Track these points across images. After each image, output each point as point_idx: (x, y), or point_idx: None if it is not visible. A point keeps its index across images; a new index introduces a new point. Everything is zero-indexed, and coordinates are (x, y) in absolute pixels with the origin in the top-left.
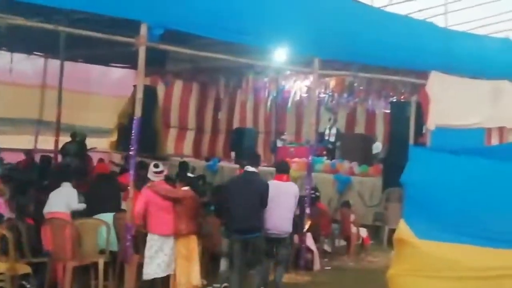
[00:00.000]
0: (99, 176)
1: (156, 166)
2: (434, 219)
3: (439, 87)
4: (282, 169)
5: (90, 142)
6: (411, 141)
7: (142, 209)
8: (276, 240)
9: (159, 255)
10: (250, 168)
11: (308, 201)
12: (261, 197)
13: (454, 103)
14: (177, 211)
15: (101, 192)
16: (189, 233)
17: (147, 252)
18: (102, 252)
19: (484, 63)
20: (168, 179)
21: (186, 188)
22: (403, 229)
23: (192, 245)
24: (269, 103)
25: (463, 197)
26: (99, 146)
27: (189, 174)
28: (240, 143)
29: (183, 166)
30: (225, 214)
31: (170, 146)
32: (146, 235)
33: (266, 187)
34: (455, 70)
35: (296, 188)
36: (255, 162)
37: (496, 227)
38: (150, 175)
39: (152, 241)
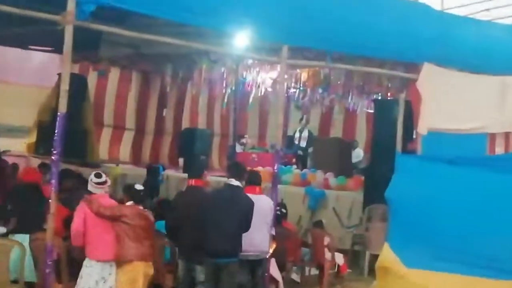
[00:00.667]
0: (21, 186)
1: (97, 176)
2: (424, 243)
3: (433, 82)
4: (254, 180)
5: (1, 143)
6: (399, 147)
7: (80, 226)
8: (254, 262)
9: (99, 287)
10: (234, 182)
11: (273, 220)
12: (246, 219)
13: (451, 103)
14: (117, 231)
15: (23, 206)
16: (134, 260)
17: (84, 283)
18: (15, 282)
19: (488, 54)
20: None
21: (130, 203)
22: (388, 255)
23: (137, 276)
24: (226, 99)
25: (460, 217)
26: (13, 148)
27: (137, 186)
28: (190, 148)
29: (153, 171)
30: (179, 235)
31: (103, 149)
32: (71, 259)
33: (252, 207)
34: (452, 62)
35: (271, 202)
36: (239, 173)
37: (498, 254)
38: (90, 187)
39: (90, 269)
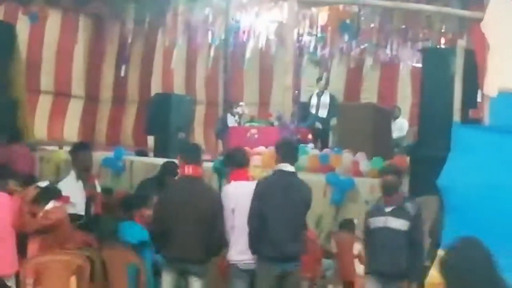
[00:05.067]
0: None
1: None
2: (494, 244)
3: (506, 23)
4: (240, 161)
5: None
6: (457, 116)
7: None
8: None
9: None
10: (287, 167)
11: None
12: (305, 213)
13: None
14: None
15: None
16: None
17: None
18: None
19: None
20: None
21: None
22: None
23: None
24: (212, 52)
25: None
26: None
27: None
28: (163, 121)
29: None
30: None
31: (40, 126)
32: None
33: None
34: None
35: None
36: (293, 155)
37: None
38: None
39: None
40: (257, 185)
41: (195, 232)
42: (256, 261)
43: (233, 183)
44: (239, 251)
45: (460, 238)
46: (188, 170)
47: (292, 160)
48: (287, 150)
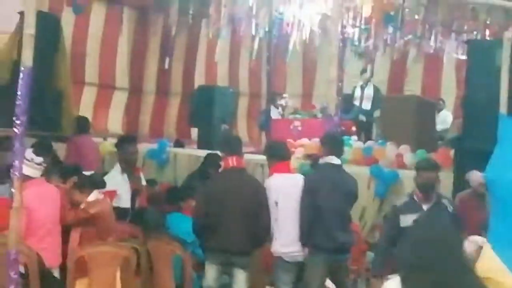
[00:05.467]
0: None
1: (41, 151)
2: None
3: None
4: (283, 154)
5: None
6: (503, 108)
7: None
8: (303, 265)
9: None
10: (334, 160)
11: None
12: (353, 203)
13: None
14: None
15: None
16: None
17: None
18: None
19: None
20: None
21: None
22: (489, 262)
23: None
24: (256, 45)
25: None
26: None
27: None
28: (207, 113)
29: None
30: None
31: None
32: (46, 272)
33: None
34: None
35: None
36: (339, 148)
37: None
38: (27, 169)
39: None
40: (307, 178)
41: (240, 223)
42: (308, 253)
43: (275, 175)
44: (283, 244)
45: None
46: (232, 161)
47: (338, 153)
48: (334, 144)
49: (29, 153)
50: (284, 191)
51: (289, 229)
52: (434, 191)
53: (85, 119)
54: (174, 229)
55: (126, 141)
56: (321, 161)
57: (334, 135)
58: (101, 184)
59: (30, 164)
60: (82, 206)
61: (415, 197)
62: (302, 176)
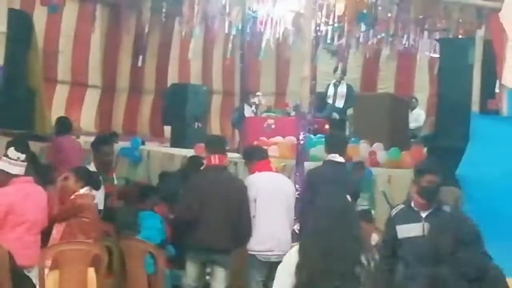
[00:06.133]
0: None
1: (21, 148)
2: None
3: None
4: (261, 154)
5: None
6: (475, 106)
7: None
8: (275, 264)
9: None
10: (337, 158)
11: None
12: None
13: None
14: None
15: None
16: None
17: None
18: None
19: None
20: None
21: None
22: None
23: None
24: (229, 43)
25: None
26: None
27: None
28: (179, 111)
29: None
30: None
31: (57, 115)
32: (16, 270)
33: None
34: None
35: (292, 184)
36: (342, 146)
37: None
38: (6, 165)
39: None
40: (309, 174)
41: (222, 220)
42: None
43: (256, 173)
44: (258, 241)
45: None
46: (214, 160)
47: (341, 151)
48: (336, 141)
49: (12, 151)
50: (263, 188)
51: (265, 226)
52: (436, 197)
53: (66, 119)
54: (145, 227)
55: (102, 142)
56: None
57: (337, 134)
58: (97, 184)
59: (15, 163)
60: (72, 197)
61: (412, 204)
62: (283, 176)
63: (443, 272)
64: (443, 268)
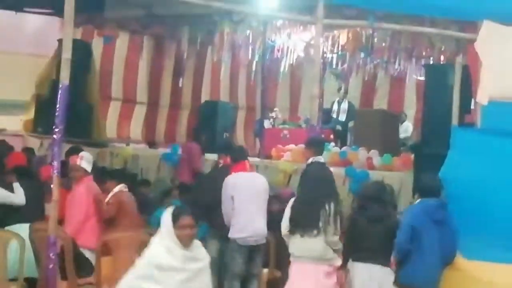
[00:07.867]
0: (13, 171)
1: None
2: (487, 231)
3: (495, 43)
4: (241, 155)
5: None
6: (455, 120)
7: None
8: (254, 247)
9: None
10: (321, 159)
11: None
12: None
13: None
14: None
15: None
16: None
17: None
18: (13, 280)
19: None
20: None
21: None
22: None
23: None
24: (253, 67)
25: None
26: (8, 127)
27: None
28: (211, 124)
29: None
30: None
31: (110, 127)
32: (78, 253)
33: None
34: None
35: (265, 181)
36: (321, 149)
37: None
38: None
39: None
40: (302, 174)
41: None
42: None
43: (232, 174)
44: (238, 229)
45: None
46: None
47: (321, 153)
48: (319, 146)
49: (88, 155)
50: (239, 186)
51: (243, 217)
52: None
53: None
54: None
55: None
56: (310, 160)
57: (317, 138)
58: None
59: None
60: (107, 199)
61: None
62: (258, 175)
63: None
64: None
